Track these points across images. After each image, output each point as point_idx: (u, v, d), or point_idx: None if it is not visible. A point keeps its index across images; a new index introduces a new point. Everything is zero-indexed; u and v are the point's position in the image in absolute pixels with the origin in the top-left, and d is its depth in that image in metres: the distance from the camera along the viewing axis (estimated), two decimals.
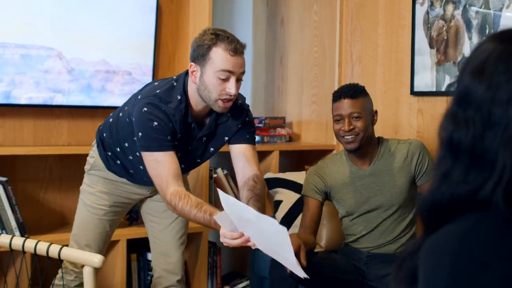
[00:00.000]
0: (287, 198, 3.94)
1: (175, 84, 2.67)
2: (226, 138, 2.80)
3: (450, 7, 3.73)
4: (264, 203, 2.70)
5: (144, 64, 3.56)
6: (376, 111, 3.12)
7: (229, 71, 2.54)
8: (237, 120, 2.77)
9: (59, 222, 3.85)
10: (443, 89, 3.75)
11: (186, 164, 2.80)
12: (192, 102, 2.66)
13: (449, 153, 1.11)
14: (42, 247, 2.23)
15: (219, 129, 2.76)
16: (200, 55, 2.55)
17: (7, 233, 3.39)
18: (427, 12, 3.85)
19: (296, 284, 2.85)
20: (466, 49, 3.65)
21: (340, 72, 4.39)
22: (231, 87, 2.55)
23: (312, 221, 3.09)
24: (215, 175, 4.08)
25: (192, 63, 2.59)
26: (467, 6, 3.66)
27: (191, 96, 2.65)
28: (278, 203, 3.99)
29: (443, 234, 1.07)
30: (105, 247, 2.99)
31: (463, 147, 1.09)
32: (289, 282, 2.83)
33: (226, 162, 4.51)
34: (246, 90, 5.01)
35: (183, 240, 3.04)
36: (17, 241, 2.29)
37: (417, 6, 3.89)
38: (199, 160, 2.85)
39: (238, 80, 2.58)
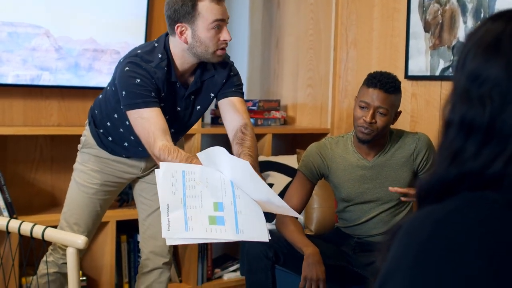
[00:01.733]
0: (278, 181, 3.92)
1: (156, 45, 2.65)
2: (212, 94, 2.76)
3: None
4: (257, 154, 2.61)
5: (133, 43, 3.52)
6: (400, 112, 2.99)
7: (221, 20, 2.53)
8: (222, 74, 2.74)
9: (50, 203, 3.83)
10: (437, 73, 3.72)
11: (176, 127, 2.76)
12: (177, 61, 2.64)
13: (460, 134, 1.08)
14: (26, 228, 2.21)
15: (204, 85, 2.73)
16: (186, 13, 2.51)
17: None
18: None
19: (272, 264, 2.83)
20: (461, 33, 3.61)
21: (335, 56, 4.35)
22: (226, 35, 2.55)
23: (299, 200, 3.00)
24: None
25: (179, 24, 2.54)
26: None
27: (176, 56, 2.63)
28: (269, 186, 3.95)
29: (422, 215, 1.05)
30: (95, 227, 2.96)
31: (478, 125, 1.07)
32: (265, 263, 2.81)
33: (216, 145, 4.44)
34: (242, 72, 4.94)
35: None
36: (1, 222, 2.27)
37: None
38: (188, 122, 2.81)
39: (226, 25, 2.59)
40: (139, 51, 2.62)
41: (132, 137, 2.74)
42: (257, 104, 4.37)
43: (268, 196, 2.26)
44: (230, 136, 2.69)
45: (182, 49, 2.61)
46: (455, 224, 1.00)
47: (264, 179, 2.35)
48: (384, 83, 2.86)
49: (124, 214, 3.73)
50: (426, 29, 3.78)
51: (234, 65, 2.82)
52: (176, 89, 2.68)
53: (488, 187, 1.05)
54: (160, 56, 2.60)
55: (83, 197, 2.87)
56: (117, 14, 3.78)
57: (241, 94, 2.79)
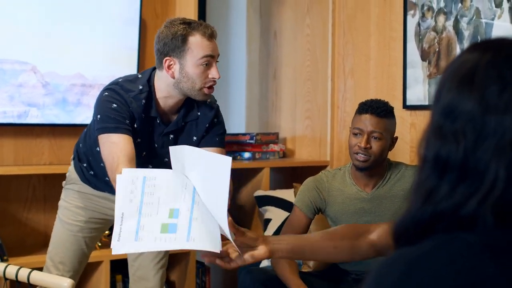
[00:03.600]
0: (277, 216, 3.84)
1: (139, 76, 2.61)
2: (195, 138, 2.68)
3: (441, 18, 3.63)
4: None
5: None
6: (396, 138, 2.93)
7: (210, 56, 2.49)
8: (206, 119, 2.67)
9: (43, 243, 3.74)
10: None
11: (154, 164, 2.67)
12: (160, 97, 2.58)
13: (434, 171, 1.03)
14: (11, 271, 2.16)
15: (187, 127, 2.66)
16: (176, 47, 2.47)
17: None
18: (419, 24, 3.74)
19: None
20: None
21: (333, 86, 4.29)
22: (214, 72, 2.51)
23: None
24: None
25: (168, 57, 2.49)
26: (458, 17, 3.55)
27: (160, 90, 2.57)
28: (267, 221, 3.88)
29: (394, 258, 0.99)
30: (82, 266, 2.86)
31: (452, 162, 1.01)
32: None
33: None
34: (240, 104, 4.92)
35: (162, 264, 2.92)
36: None
37: (409, 17, 3.79)
38: (167, 160, 2.71)
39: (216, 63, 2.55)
40: (120, 80, 2.59)
41: None
42: (254, 137, 4.29)
43: (217, 211, 2.19)
44: None
45: (168, 84, 2.55)
46: (426, 268, 0.93)
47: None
48: (375, 107, 2.84)
49: None
50: (423, 58, 3.71)
51: (224, 108, 2.79)
52: (155, 125, 2.61)
53: (463, 228, 0.98)
54: (140, 87, 2.55)
55: (67, 235, 2.78)
56: (106, 47, 3.74)
57: (222, 145, 2.72)
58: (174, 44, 2.47)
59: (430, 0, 3.68)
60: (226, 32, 5.11)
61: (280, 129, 4.62)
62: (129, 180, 2.22)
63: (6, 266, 2.17)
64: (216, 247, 2.19)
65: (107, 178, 2.74)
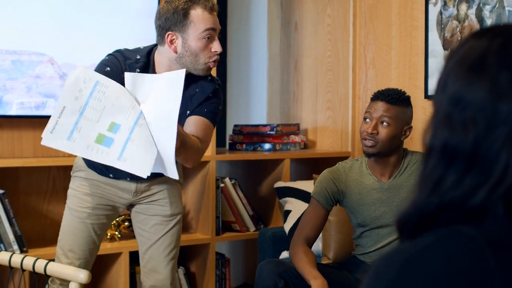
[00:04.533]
0: (296, 208, 3.81)
1: (141, 48, 2.65)
2: (188, 112, 2.66)
3: (463, 7, 3.57)
4: (187, 143, 2.44)
5: None
6: (411, 127, 2.89)
7: (212, 29, 2.51)
8: (203, 94, 2.66)
9: None
10: None
11: None
12: (161, 70, 2.59)
13: (442, 160, 1.00)
14: (28, 262, 2.17)
15: (184, 101, 2.56)
16: (178, 21, 2.49)
17: (5, 246, 3.32)
18: (441, 13, 3.69)
19: None
20: None
21: (354, 77, 4.24)
22: (217, 46, 2.53)
23: (313, 229, 2.90)
24: (222, 185, 3.96)
25: (170, 32, 2.51)
26: (481, 5, 3.49)
27: (160, 64, 2.60)
28: (287, 213, 3.86)
29: (393, 253, 0.96)
30: (92, 255, 2.82)
31: (461, 151, 0.98)
32: None
33: (234, 171, 4.41)
34: (262, 96, 4.90)
35: (172, 255, 2.89)
36: (4, 256, 2.21)
37: (430, 6, 3.73)
38: None
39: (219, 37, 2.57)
40: (122, 49, 2.64)
41: None
42: (275, 128, 4.26)
43: (166, 138, 2.25)
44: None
45: (170, 59, 2.57)
46: (423, 265, 0.90)
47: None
48: (387, 94, 2.83)
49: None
50: (445, 47, 3.66)
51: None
52: None
53: (471, 220, 0.95)
54: (138, 57, 2.58)
55: (76, 222, 2.76)
56: (123, 39, 3.72)
57: (211, 119, 2.67)
58: (176, 19, 2.49)
59: None
60: (247, 24, 5.09)
61: (302, 120, 4.58)
62: (82, 78, 2.28)
63: (24, 258, 2.18)
64: (145, 172, 2.25)
65: None
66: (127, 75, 2.37)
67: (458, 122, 0.99)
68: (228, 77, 5.13)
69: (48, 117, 3.53)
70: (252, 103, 5.07)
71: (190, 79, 2.64)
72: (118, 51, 2.62)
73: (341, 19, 4.31)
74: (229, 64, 5.12)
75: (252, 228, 4.06)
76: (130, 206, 2.89)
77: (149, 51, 2.62)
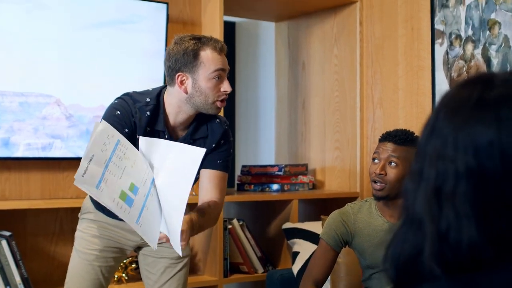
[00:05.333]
0: (305, 249, 3.78)
1: (150, 90, 2.67)
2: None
3: (469, 47, 3.58)
4: (206, 222, 2.54)
5: None
6: None
7: (222, 69, 2.54)
8: (214, 138, 2.69)
9: None
10: None
11: None
12: (171, 112, 2.61)
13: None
14: None
15: (196, 144, 2.63)
16: (188, 62, 2.51)
17: None
18: (447, 53, 3.70)
19: None
20: None
21: (362, 117, 4.24)
22: (226, 86, 2.56)
23: (322, 271, 2.86)
24: (229, 226, 3.94)
25: (181, 73, 2.54)
26: (487, 45, 3.49)
27: (171, 106, 2.61)
28: (295, 254, 3.83)
29: None
30: None
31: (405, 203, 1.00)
32: None
33: (242, 212, 4.39)
34: (270, 135, 4.90)
35: None
36: None
37: (436, 46, 3.75)
38: None
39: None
40: (131, 92, 2.65)
41: None
42: (283, 169, 4.26)
43: (176, 208, 2.28)
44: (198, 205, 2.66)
45: (180, 99, 2.58)
46: None
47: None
48: (394, 135, 2.81)
49: None
50: (452, 87, 3.65)
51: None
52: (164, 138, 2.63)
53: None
54: (148, 100, 2.59)
55: (83, 265, 2.74)
56: (130, 79, 3.74)
57: (225, 169, 2.71)
58: (186, 60, 2.51)
59: (457, 28, 3.64)
60: (255, 63, 5.11)
61: (310, 160, 4.58)
62: (106, 133, 2.33)
63: None
64: (153, 244, 2.31)
65: None
66: (142, 139, 2.42)
67: (411, 172, 1.03)
68: (236, 117, 5.14)
69: (55, 158, 3.58)
70: (260, 143, 5.07)
71: (200, 121, 2.66)
72: (127, 94, 2.64)
73: (348, 59, 4.32)
74: (237, 104, 5.13)
75: (260, 269, 4.03)
76: (138, 248, 2.88)
77: (158, 93, 2.64)
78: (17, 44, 3.51)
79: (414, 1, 3.91)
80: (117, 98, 2.63)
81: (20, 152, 3.51)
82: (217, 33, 3.87)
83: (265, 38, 5.05)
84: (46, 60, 3.58)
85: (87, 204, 2.81)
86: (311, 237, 3.82)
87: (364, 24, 4.25)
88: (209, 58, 2.51)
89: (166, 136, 2.61)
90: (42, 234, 3.71)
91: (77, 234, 2.83)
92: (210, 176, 2.68)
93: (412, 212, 0.97)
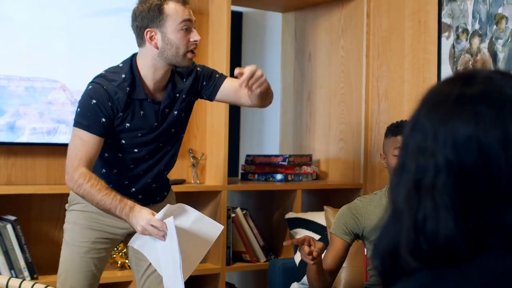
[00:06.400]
0: None
1: (120, 65, 2.71)
2: (193, 98, 2.83)
3: (476, 41, 3.58)
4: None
5: None
6: None
7: (188, 20, 2.61)
8: (189, 80, 2.79)
9: None
10: None
11: (158, 141, 2.76)
12: (148, 75, 2.67)
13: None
14: (25, 286, 2.20)
15: (180, 97, 2.76)
16: (154, 17, 2.58)
17: (15, 272, 3.33)
18: (453, 46, 3.70)
19: None
20: None
21: (367, 109, 4.25)
22: (195, 35, 2.62)
23: (333, 261, 2.90)
24: (233, 215, 3.96)
25: (149, 29, 2.60)
26: (493, 39, 3.50)
27: (146, 68, 2.67)
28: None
29: None
30: None
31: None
32: None
33: (245, 201, 4.41)
34: (275, 126, 4.91)
35: None
36: (1, 280, 2.27)
37: (443, 39, 3.75)
38: (173, 130, 2.80)
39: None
40: (103, 72, 2.70)
41: (132, 166, 2.75)
42: (287, 159, 4.27)
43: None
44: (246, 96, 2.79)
45: (153, 57, 2.64)
46: None
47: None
48: (404, 126, 2.82)
49: None
50: None
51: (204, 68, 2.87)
52: (146, 106, 2.68)
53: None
54: (123, 76, 2.64)
55: (76, 258, 2.74)
56: None
57: (220, 77, 2.86)
58: (152, 15, 2.59)
59: (464, 22, 3.64)
60: (261, 54, 5.12)
61: (314, 151, 4.59)
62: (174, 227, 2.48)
63: (33, 285, 2.20)
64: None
65: (126, 182, 2.77)
66: (180, 206, 2.58)
67: (397, 165, 1.06)
68: (242, 106, 5.15)
69: (61, 144, 3.60)
70: (265, 133, 5.08)
71: (174, 78, 2.75)
72: (100, 76, 2.68)
73: (354, 51, 4.33)
74: None
75: (262, 258, 4.05)
76: (128, 236, 2.82)
77: (130, 65, 2.68)
78: (24, 30, 3.54)
79: None
80: (91, 83, 2.67)
81: (25, 136, 3.54)
82: (225, 23, 3.89)
83: (272, 28, 5.05)
84: (52, 46, 3.61)
85: (75, 195, 2.77)
86: (314, 227, 3.84)
87: (371, 16, 4.26)
88: (174, 11, 2.59)
89: (149, 100, 2.67)
90: (47, 219, 3.73)
91: (67, 226, 2.83)
92: (228, 86, 2.84)
93: (395, 205, 0.99)
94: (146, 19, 2.59)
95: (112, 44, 3.74)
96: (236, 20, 4.91)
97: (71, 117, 3.59)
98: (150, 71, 2.67)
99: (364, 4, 4.27)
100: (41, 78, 3.58)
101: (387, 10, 4.16)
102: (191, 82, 2.79)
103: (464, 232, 0.93)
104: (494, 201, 0.93)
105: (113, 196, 2.52)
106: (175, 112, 2.76)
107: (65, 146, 3.61)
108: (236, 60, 4.80)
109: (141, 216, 2.49)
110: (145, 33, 2.61)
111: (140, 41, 2.66)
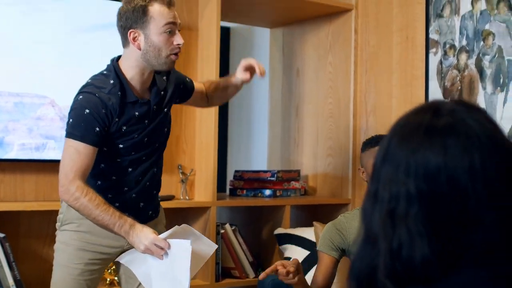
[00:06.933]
0: (297, 255, 3.79)
1: (105, 72, 2.68)
2: (178, 100, 2.91)
3: (463, 56, 3.61)
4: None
5: None
6: None
7: (172, 23, 2.59)
8: (170, 78, 2.83)
9: None
10: None
11: (153, 141, 2.76)
12: (134, 77, 2.66)
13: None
14: None
15: (168, 94, 2.80)
16: (138, 18, 2.56)
17: None
18: (441, 62, 3.73)
19: None
20: (481, 99, 3.52)
21: (355, 124, 4.27)
22: (178, 38, 2.61)
23: (323, 278, 2.91)
24: (222, 231, 3.95)
25: (132, 30, 2.58)
26: (480, 55, 3.53)
27: (132, 69, 2.65)
28: (287, 260, 3.84)
29: None
30: None
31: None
32: None
33: (234, 217, 4.40)
34: (263, 141, 4.92)
35: None
36: None
37: (431, 55, 3.78)
38: (166, 129, 2.85)
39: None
40: (90, 81, 2.66)
41: (126, 188, 2.74)
42: (275, 174, 4.27)
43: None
44: (206, 94, 3.08)
45: (136, 58, 2.63)
46: None
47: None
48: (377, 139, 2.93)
49: None
50: (445, 96, 3.69)
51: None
52: (139, 107, 2.67)
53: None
54: (112, 82, 2.62)
55: (68, 279, 2.69)
56: None
57: (191, 81, 2.99)
58: (136, 16, 2.56)
59: (452, 38, 3.67)
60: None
61: (302, 167, 4.59)
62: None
63: None
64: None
65: (117, 202, 2.71)
66: (184, 227, 2.60)
67: (368, 192, 1.14)
68: (229, 121, 5.16)
69: (49, 161, 3.58)
70: (253, 148, 5.09)
71: (155, 77, 2.76)
72: (88, 85, 2.64)
73: (342, 67, 4.35)
74: (230, 109, 5.15)
75: (251, 274, 4.04)
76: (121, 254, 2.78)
77: (115, 70, 2.66)
78: (13, 45, 3.53)
79: (409, 11, 3.95)
80: (81, 93, 2.62)
81: (14, 152, 3.52)
82: (214, 38, 3.90)
83: (260, 44, 5.07)
84: (41, 61, 3.60)
85: (68, 215, 2.73)
86: (303, 243, 3.84)
87: (359, 32, 4.28)
88: (158, 13, 2.56)
89: (140, 101, 2.66)
90: (36, 236, 3.70)
91: (59, 246, 2.76)
92: (196, 91, 3.00)
93: (369, 230, 1.05)
94: (130, 19, 2.57)
95: (101, 59, 3.69)
96: (224, 35, 4.93)
97: (60, 133, 3.60)
98: (135, 72, 2.65)
99: (352, 20, 4.29)
100: (30, 93, 3.57)
101: (375, 26, 4.19)
102: (174, 83, 2.83)
103: (438, 255, 1.00)
104: (463, 225, 1.00)
105: (112, 212, 2.50)
106: (165, 110, 2.79)
107: (54, 162, 3.63)
108: (224, 75, 4.80)
109: (145, 235, 2.47)
110: (128, 33, 2.59)
111: (124, 41, 2.64)
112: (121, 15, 2.61)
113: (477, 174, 1.00)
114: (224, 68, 4.87)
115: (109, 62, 2.73)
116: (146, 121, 2.69)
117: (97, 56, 3.72)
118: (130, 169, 2.72)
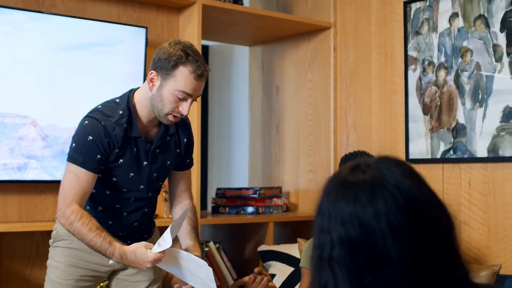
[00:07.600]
0: (281, 271, 3.82)
1: (117, 101, 2.66)
2: (178, 151, 2.78)
3: (442, 73, 3.67)
4: (198, 230, 2.87)
5: None
6: None
7: (189, 94, 2.53)
8: (184, 133, 2.78)
9: None
10: (439, 156, 3.66)
11: (145, 183, 2.71)
12: (143, 111, 2.64)
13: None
14: None
15: (171, 141, 2.74)
16: (165, 67, 2.52)
17: None
18: (420, 78, 3.79)
19: None
20: (460, 115, 3.57)
21: (336, 140, 4.31)
22: (185, 108, 2.55)
23: None
24: (206, 249, 3.96)
25: (154, 71, 2.55)
26: (459, 71, 3.59)
27: (142, 104, 2.63)
28: (272, 277, 3.86)
29: None
30: None
31: None
32: None
33: (217, 235, 4.41)
34: (243, 158, 4.94)
35: None
36: None
37: (410, 72, 3.84)
38: (155, 174, 2.74)
39: (193, 101, 2.60)
40: (100, 107, 2.65)
41: (117, 206, 2.72)
42: (258, 192, 4.29)
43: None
44: (175, 203, 2.87)
45: (147, 98, 2.61)
46: None
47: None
48: (357, 155, 2.97)
49: None
50: (425, 112, 3.74)
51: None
52: (139, 144, 2.65)
53: None
54: (121, 112, 2.60)
55: None
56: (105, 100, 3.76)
57: (192, 164, 2.89)
58: (165, 64, 2.52)
59: (430, 55, 3.73)
60: (229, 87, 5.16)
61: (283, 183, 4.62)
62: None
63: None
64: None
65: (111, 220, 2.73)
66: (179, 252, 2.56)
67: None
68: (210, 139, 5.17)
69: (32, 181, 3.57)
70: (234, 165, 5.11)
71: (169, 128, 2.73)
72: (97, 110, 2.63)
73: (322, 83, 4.39)
74: (211, 127, 5.17)
75: None
76: (112, 273, 2.83)
77: (127, 100, 2.64)
78: None
79: (388, 28, 4.00)
80: (88, 117, 2.61)
81: None
82: None
83: (239, 62, 5.10)
84: (23, 82, 3.57)
85: (60, 232, 2.74)
86: (287, 259, 3.85)
87: (338, 49, 4.33)
88: (184, 77, 2.50)
89: (142, 139, 2.64)
90: (18, 257, 3.68)
91: (51, 263, 2.78)
92: (185, 177, 2.86)
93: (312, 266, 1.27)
94: (160, 62, 2.53)
95: (83, 79, 3.74)
96: (202, 53, 4.95)
97: (41, 152, 3.59)
98: (145, 107, 2.62)
99: (330, 38, 4.34)
100: (11, 113, 3.54)
101: (353, 44, 4.24)
102: (186, 138, 2.79)
103: None
104: (376, 261, 1.17)
105: (104, 237, 2.48)
106: (168, 162, 2.75)
107: (36, 182, 3.63)
108: (203, 93, 4.83)
109: (142, 257, 2.46)
110: (151, 72, 2.56)
111: (147, 75, 2.63)
112: (158, 52, 2.57)
113: (381, 217, 1.18)
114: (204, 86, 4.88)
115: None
116: (145, 162, 2.68)
117: (78, 75, 3.73)
118: (117, 205, 2.72)
